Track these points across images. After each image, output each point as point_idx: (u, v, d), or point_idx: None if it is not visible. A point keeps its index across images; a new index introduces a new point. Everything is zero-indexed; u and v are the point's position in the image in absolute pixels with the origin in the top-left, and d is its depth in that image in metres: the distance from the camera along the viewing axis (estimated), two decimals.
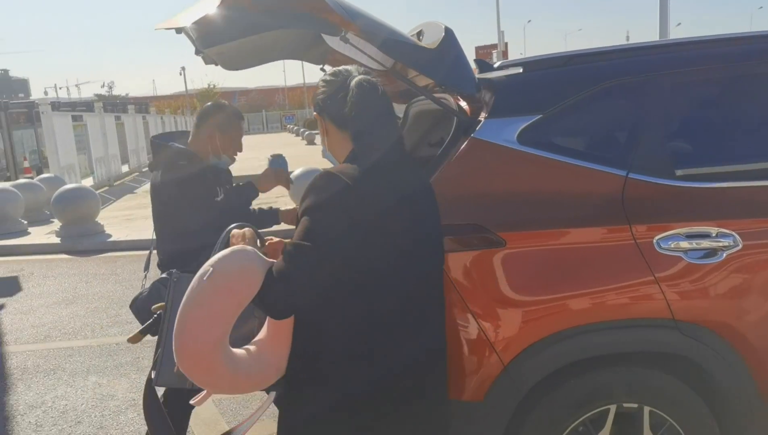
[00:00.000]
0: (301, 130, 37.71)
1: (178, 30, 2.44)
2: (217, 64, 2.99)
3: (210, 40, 2.47)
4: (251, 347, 2.01)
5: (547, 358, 2.23)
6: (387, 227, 1.89)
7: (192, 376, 1.90)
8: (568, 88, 2.38)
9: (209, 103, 3.23)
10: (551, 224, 2.26)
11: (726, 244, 2.25)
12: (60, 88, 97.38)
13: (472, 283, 2.24)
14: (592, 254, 2.25)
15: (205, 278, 1.83)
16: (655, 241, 2.23)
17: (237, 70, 3.16)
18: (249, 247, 1.94)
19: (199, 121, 3.10)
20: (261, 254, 1.94)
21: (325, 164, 8.42)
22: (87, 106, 22.51)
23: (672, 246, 2.23)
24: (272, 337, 2.01)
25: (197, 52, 2.72)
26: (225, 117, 3.11)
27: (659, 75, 2.39)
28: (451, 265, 2.22)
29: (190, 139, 3.12)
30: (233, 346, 1.95)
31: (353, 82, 1.96)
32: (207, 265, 1.86)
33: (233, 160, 3.16)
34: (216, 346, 1.84)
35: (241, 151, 3.18)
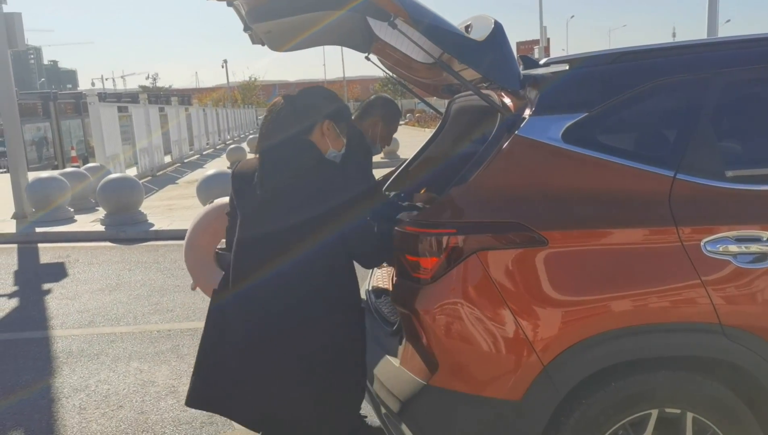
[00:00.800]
0: None
1: (229, 2, 2.47)
2: (263, 44, 3.03)
3: (259, 15, 2.49)
4: None
5: (588, 360, 2.20)
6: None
7: (186, 264, 3.04)
8: (615, 86, 2.34)
9: (379, 95, 3.51)
10: (595, 224, 2.22)
11: None
12: (106, 80, 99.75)
13: (513, 282, 2.21)
14: (637, 255, 2.21)
15: (208, 204, 2.98)
16: (702, 243, 2.18)
17: (283, 51, 3.20)
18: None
19: (368, 107, 3.37)
20: None
21: None
22: (132, 97, 23.02)
23: (720, 249, 2.18)
24: None
25: (245, 29, 2.76)
26: (392, 110, 3.39)
27: (710, 74, 2.33)
28: (492, 263, 2.21)
29: None
30: None
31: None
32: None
33: (380, 151, 3.39)
34: (198, 249, 2.95)
35: (389, 145, 3.44)
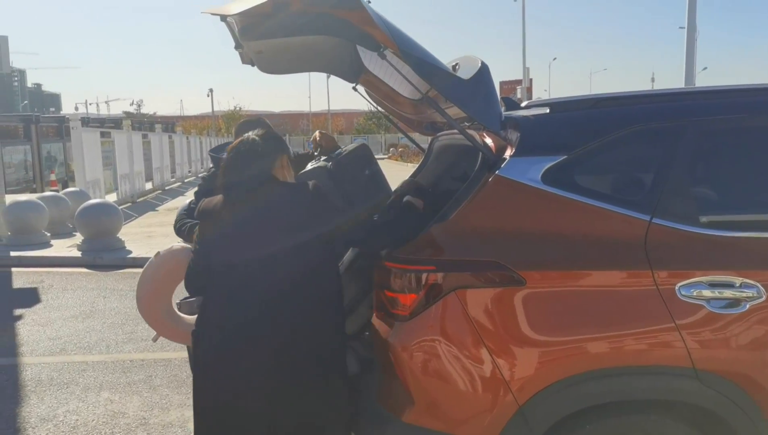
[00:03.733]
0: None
1: (223, 17, 2.50)
2: (253, 65, 3.04)
3: (252, 33, 2.51)
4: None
5: (563, 401, 2.20)
6: (212, 245, 2.52)
7: (145, 319, 3.00)
8: (594, 130, 2.39)
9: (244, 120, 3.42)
10: (572, 266, 2.25)
11: (750, 294, 2.22)
12: (90, 104, 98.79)
13: (491, 321, 2.22)
14: (613, 298, 2.23)
15: (154, 257, 2.97)
16: (677, 287, 2.21)
17: (272, 73, 3.23)
18: (183, 246, 2.93)
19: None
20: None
21: None
22: (115, 123, 22.96)
23: (694, 294, 2.21)
24: None
25: (236, 47, 2.78)
26: (240, 132, 3.27)
27: (686, 122, 2.39)
28: (470, 301, 2.22)
29: None
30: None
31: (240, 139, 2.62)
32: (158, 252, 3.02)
33: None
34: (158, 301, 2.90)
35: None
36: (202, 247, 2.55)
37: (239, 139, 2.58)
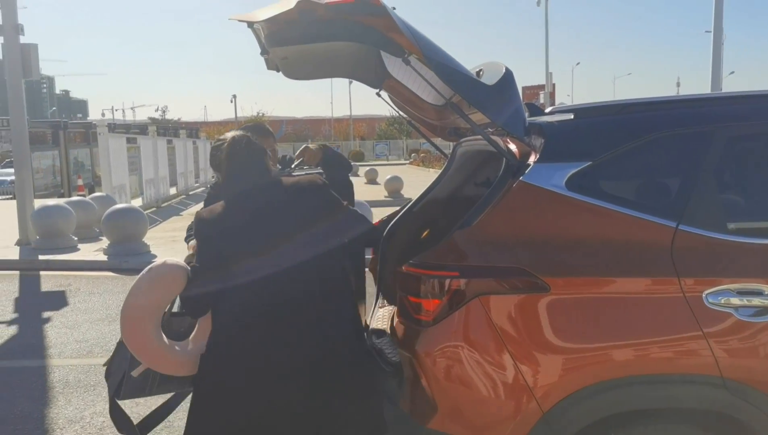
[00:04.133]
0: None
1: (250, 24, 2.53)
2: (278, 70, 3.08)
3: (277, 39, 2.55)
4: (182, 342, 2.53)
5: (588, 408, 2.19)
6: (227, 248, 2.33)
7: (136, 350, 2.45)
8: (619, 136, 2.38)
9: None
10: (597, 272, 2.23)
11: None
12: (116, 111, 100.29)
13: (514, 327, 2.22)
14: (638, 305, 2.21)
15: (146, 271, 2.48)
16: (704, 295, 2.19)
17: (297, 79, 3.26)
18: (178, 261, 2.55)
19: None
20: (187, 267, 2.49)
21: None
22: (141, 129, 23.28)
23: (722, 301, 2.18)
24: (197, 334, 2.51)
25: (262, 53, 2.82)
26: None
27: (712, 127, 2.36)
28: (493, 307, 2.21)
29: None
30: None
31: (229, 137, 2.54)
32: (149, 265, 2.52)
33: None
34: (151, 326, 2.41)
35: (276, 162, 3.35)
36: (212, 259, 2.36)
37: (231, 138, 2.51)
